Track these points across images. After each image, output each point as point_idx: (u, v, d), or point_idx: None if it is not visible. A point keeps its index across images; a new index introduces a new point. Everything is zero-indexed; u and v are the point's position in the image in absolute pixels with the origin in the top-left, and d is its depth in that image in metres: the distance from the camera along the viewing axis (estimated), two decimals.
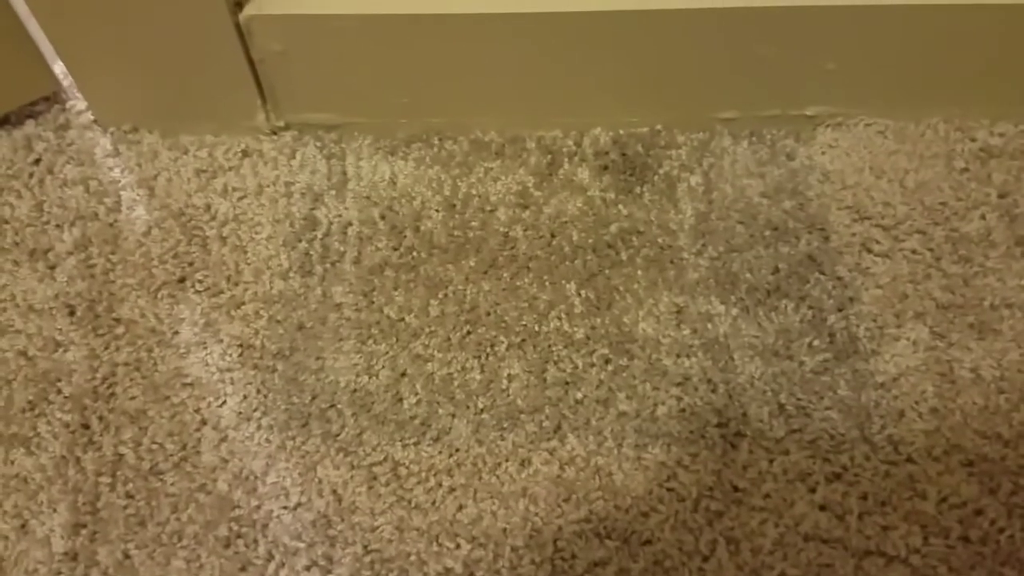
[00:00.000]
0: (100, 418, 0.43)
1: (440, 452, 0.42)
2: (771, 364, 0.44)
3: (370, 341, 0.45)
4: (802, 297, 0.45)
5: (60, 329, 0.45)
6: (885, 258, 0.46)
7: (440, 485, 0.42)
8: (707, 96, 0.49)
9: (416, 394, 0.44)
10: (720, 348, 0.44)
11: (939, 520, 0.39)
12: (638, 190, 0.49)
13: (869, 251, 0.46)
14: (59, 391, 0.43)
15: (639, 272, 0.46)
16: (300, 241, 0.48)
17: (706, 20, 0.45)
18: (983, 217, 0.47)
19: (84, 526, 0.40)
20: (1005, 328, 0.44)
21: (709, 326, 0.45)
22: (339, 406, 0.44)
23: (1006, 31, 0.46)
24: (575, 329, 0.45)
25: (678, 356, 0.44)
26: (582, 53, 0.47)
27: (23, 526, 0.40)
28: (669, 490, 0.41)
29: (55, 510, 0.40)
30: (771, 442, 0.42)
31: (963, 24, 0.45)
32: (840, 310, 0.45)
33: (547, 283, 0.46)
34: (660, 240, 0.47)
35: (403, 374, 0.44)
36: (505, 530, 0.40)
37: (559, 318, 0.45)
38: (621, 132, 0.51)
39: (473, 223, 0.48)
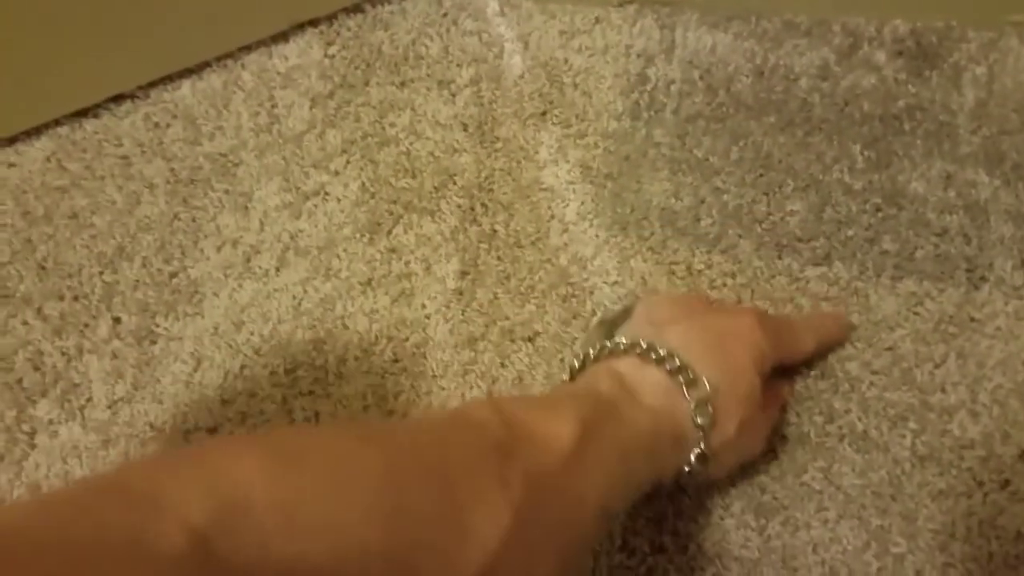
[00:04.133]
0: (482, 204, 0.59)
1: (726, 261, 0.55)
2: (1021, 228, 0.51)
3: (679, 173, 0.58)
4: None
5: (457, 140, 0.61)
6: None
7: (724, 284, 0.54)
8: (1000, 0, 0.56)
9: (712, 217, 0.56)
10: (979, 210, 0.52)
11: None
12: (927, 74, 0.57)
13: None
14: (455, 182, 0.60)
15: (918, 141, 0.55)
16: (632, 92, 0.61)
17: None
18: None
19: (467, 273, 0.57)
20: None
21: (973, 192, 0.53)
22: (651, 219, 0.57)
23: None
24: (854, 181, 0.55)
25: (941, 212, 0.53)
26: None
27: (428, 268, 0.58)
28: (915, 313, 0.51)
29: (449, 261, 0.58)
30: (1009, 288, 0.50)
31: None
32: None
33: (835, 142, 0.56)
34: (940, 118, 0.55)
35: (703, 201, 0.57)
36: None
37: (841, 171, 0.55)
38: (918, 24, 0.59)
39: (777, 88, 0.58)
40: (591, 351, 0.45)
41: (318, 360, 0.55)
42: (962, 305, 0.50)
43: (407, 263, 0.58)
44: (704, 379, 0.42)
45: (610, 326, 0.50)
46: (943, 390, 0.48)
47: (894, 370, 0.50)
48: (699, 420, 0.41)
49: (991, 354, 0.49)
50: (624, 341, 0.43)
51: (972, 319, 0.50)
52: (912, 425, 0.48)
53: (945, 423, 0.48)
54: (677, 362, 0.42)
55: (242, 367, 0.56)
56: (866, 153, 0.55)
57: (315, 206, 0.60)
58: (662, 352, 0.42)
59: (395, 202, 0.60)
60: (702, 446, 0.41)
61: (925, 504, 0.46)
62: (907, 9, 0.59)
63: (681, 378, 0.42)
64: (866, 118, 0.56)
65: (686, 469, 0.42)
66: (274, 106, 0.64)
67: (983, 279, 0.51)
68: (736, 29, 0.61)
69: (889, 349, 0.50)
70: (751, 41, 0.60)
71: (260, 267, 0.58)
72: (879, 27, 0.59)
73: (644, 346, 0.42)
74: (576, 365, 0.45)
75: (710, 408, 0.41)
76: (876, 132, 0.56)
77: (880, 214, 0.54)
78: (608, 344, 0.44)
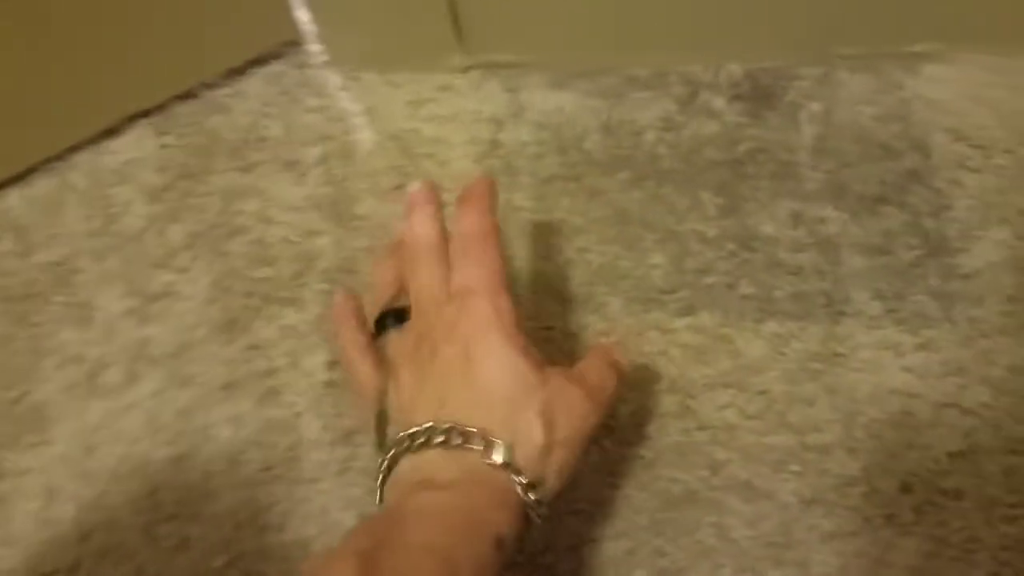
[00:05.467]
0: (346, 287, 0.56)
1: (598, 320, 0.54)
2: (873, 258, 0.53)
3: (544, 235, 0.57)
4: (903, 205, 0.54)
5: (312, 222, 0.59)
6: (977, 173, 0.54)
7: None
8: (828, 35, 0.58)
9: (579, 277, 0.56)
10: (830, 245, 0.54)
11: (1007, 382, 0.49)
12: (765, 115, 0.58)
13: (963, 167, 0.55)
14: (315, 267, 0.57)
15: (764, 183, 0.56)
16: (487, 158, 0.60)
17: None
18: None
19: (337, 363, 0.54)
20: None
21: (821, 227, 0.55)
22: (522, 283, 0.56)
23: None
24: (708, 228, 0.55)
25: (793, 251, 0.54)
26: None
27: (294, 362, 0.55)
28: (781, 354, 0.51)
29: (315, 352, 0.55)
30: (868, 319, 0.52)
31: None
32: (934, 215, 0.54)
33: (685, 191, 0.57)
34: (782, 157, 0.57)
35: (570, 261, 0.56)
36: (647, 378, 0.52)
37: (695, 220, 0.56)
38: (752, 67, 0.61)
39: (625, 143, 0.59)
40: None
41: (180, 478, 0.51)
42: (826, 341, 0.51)
43: (271, 359, 0.55)
44: (449, 412, 0.38)
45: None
46: (818, 429, 0.49)
47: (768, 413, 0.50)
48: (478, 447, 0.37)
49: (859, 387, 0.50)
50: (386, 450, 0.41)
51: (836, 354, 0.51)
52: (793, 468, 0.49)
53: (824, 462, 0.48)
54: (421, 428, 0.39)
55: (98, 496, 0.51)
56: (716, 200, 0.56)
57: (163, 309, 0.56)
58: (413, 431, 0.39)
59: (251, 295, 0.57)
60: (500, 457, 0.37)
61: (816, 548, 0.46)
62: (739, 53, 0.61)
63: (437, 439, 0.38)
64: (712, 165, 0.57)
65: (530, 501, 0.38)
66: (109, 206, 0.60)
67: (842, 313, 0.52)
68: (581, 87, 0.61)
69: (761, 393, 0.51)
70: (595, 98, 0.61)
71: (108, 383, 0.54)
72: (715, 73, 0.60)
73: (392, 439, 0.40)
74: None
75: (473, 434, 0.38)
76: (723, 177, 0.57)
77: (736, 259, 0.54)
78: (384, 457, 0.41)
